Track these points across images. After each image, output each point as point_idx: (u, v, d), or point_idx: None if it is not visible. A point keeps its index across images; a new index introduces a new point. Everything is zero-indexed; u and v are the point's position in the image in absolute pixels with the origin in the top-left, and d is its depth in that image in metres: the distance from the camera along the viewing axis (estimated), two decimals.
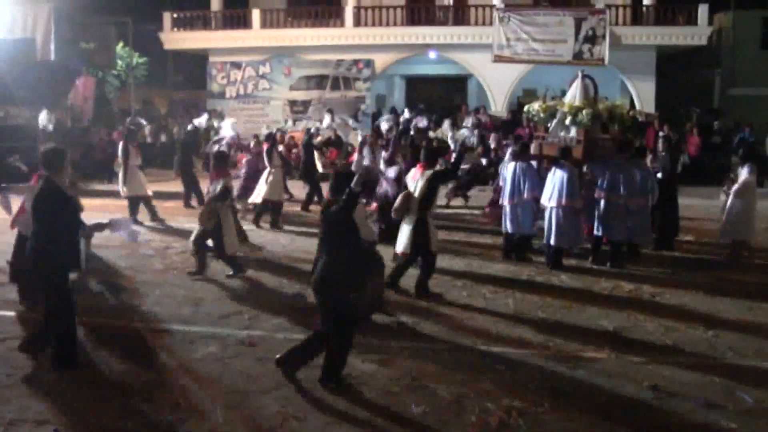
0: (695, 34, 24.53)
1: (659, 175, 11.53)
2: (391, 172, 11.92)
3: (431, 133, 20.64)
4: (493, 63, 24.16)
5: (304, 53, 26.50)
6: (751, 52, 27.03)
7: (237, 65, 27.02)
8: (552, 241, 10.42)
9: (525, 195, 10.72)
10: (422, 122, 20.01)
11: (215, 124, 20.11)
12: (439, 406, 5.74)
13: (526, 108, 12.70)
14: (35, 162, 8.55)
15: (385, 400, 5.84)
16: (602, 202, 10.54)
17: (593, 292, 9.34)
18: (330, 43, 25.91)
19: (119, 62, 27.73)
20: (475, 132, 21.58)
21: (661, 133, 17.50)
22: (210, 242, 9.88)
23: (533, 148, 11.53)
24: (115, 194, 15.74)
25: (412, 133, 17.81)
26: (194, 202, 15.39)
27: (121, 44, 27.81)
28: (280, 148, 15.89)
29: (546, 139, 11.64)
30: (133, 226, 7.12)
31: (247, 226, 12.79)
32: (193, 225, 10.47)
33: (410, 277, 9.02)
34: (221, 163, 10.44)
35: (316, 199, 15.44)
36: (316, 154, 14.74)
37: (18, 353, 6.54)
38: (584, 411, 5.71)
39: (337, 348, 6.05)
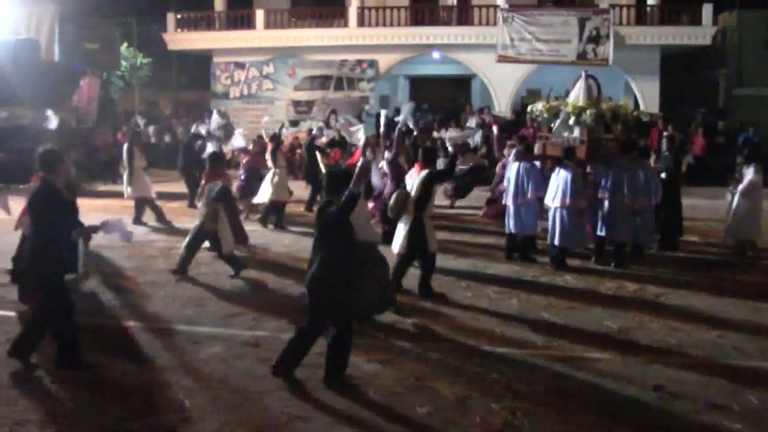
0: (699, 33, 24.51)
1: (663, 175, 11.52)
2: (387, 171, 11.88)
3: (435, 134, 20.66)
4: (497, 63, 24.12)
5: (307, 53, 26.53)
6: (756, 51, 26.94)
7: (241, 66, 27.06)
8: (556, 242, 10.41)
9: (529, 195, 10.71)
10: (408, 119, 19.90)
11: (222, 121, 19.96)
12: (443, 407, 5.74)
13: (529, 108, 12.69)
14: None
15: (389, 400, 5.84)
16: (606, 203, 10.54)
17: (597, 292, 9.33)
18: (334, 43, 25.93)
19: (123, 63, 27.77)
20: (480, 132, 21.57)
21: (665, 133, 17.47)
22: (206, 243, 9.91)
23: (537, 149, 11.52)
24: (118, 195, 15.79)
25: (415, 133, 17.77)
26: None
27: (125, 45, 27.87)
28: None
29: (549, 139, 11.63)
30: (126, 228, 7.07)
31: (251, 227, 12.81)
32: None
33: (413, 278, 9.02)
34: (217, 164, 10.44)
35: (318, 199, 15.45)
36: (318, 155, 14.75)
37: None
38: (589, 411, 5.71)
39: (338, 347, 6.05)
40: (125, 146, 14.37)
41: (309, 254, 6.24)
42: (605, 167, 10.62)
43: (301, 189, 16.86)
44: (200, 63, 29.49)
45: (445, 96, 29.30)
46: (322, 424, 5.45)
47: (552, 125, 11.75)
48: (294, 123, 26.29)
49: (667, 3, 25.31)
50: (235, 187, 13.32)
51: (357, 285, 6.40)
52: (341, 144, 21.10)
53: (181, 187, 16.67)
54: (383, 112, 16.41)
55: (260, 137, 15.97)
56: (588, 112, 11.03)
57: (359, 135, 15.87)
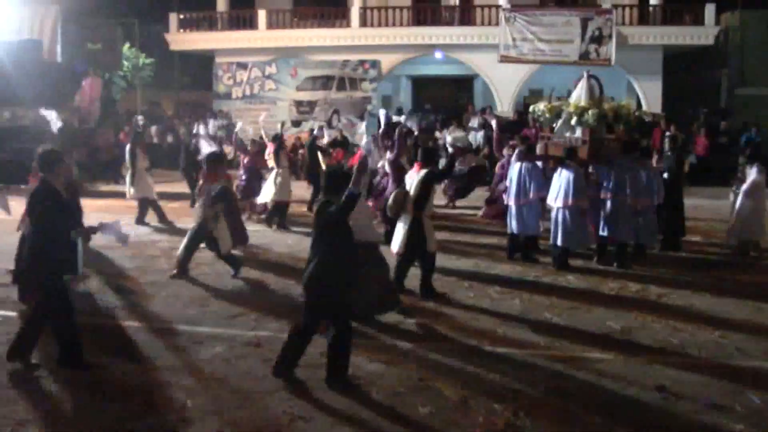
0: (702, 33, 24.49)
1: (665, 175, 11.51)
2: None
3: (437, 134, 20.63)
4: (499, 63, 24.11)
5: (310, 54, 26.52)
6: (759, 51, 26.86)
7: (243, 66, 27.07)
8: (558, 242, 10.40)
9: (531, 195, 10.71)
10: (412, 125, 19.91)
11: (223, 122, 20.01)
12: (445, 407, 5.74)
13: (531, 108, 12.69)
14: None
15: (391, 400, 5.84)
16: (608, 203, 10.52)
17: (600, 292, 9.32)
18: (336, 43, 25.94)
19: (125, 63, 27.76)
20: (482, 132, 21.55)
21: (667, 133, 17.45)
22: (203, 245, 9.91)
23: (539, 149, 11.51)
24: (120, 195, 15.80)
25: (416, 133, 17.75)
26: None
27: (127, 45, 27.86)
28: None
29: (551, 139, 11.62)
30: (122, 229, 7.06)
31: (254, 227, 12.80)
32: None
33: (415, 278, 9.01)
34: (216, 164, 10.40)
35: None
36: (320, 155, 14.75)
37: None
38: (590, 412, 5.70)
39: (338, 348, 6.05)
40: (128, 147, 14.37)
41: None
42: (607, 167, 10.61)
43: (302, 189, 16.86)
44: (202, 63, 29.51)
45: (448, 96, 29.29)
46: (323, 424, 5.44)
47: (554, 125, 11.75)
48: (296, 123, 26.30)
49: (669, 3, 25.29)
50: (235, 187, 13.31)
51: (356, 285, 6.40)
52: (343, 144, 21.08)
53: (183, 188, 16.70)
54: (382, 112, 16.39)
55: (260, 137, 15.97)
56: (590, 112, 11.03)
57: (361, 134, 15.87)
